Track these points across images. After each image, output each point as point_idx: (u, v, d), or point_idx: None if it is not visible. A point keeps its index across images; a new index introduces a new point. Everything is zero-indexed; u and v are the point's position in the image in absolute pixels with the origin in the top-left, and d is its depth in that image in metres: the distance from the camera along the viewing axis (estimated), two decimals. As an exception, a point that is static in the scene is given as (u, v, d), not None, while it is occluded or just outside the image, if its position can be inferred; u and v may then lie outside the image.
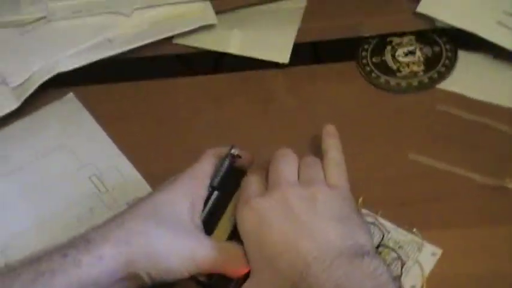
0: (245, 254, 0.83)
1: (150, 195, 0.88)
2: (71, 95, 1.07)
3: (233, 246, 0.85)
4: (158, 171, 0.98)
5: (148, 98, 1.06)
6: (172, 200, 0.86)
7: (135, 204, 0.87)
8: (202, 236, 0.85)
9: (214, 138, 1.01)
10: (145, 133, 1.03)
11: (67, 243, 0.82)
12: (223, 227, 0.89)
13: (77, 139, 1.02)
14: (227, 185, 0.90)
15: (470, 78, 1.00)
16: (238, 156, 0.92)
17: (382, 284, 0.75)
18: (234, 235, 0.87)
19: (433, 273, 0.86)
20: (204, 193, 0.88)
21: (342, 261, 0.77)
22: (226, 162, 0.91)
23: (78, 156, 1.01)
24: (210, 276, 0.86)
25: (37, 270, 0.79)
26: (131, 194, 0.96)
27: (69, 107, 1.06)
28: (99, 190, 0.98)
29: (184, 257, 0.83)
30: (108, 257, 0.81)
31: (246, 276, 0.84)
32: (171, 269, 0.83)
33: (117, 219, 0.84)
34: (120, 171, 0.99)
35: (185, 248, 0.83)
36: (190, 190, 0.87)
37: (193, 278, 0.86)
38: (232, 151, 0.92)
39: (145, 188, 0.97)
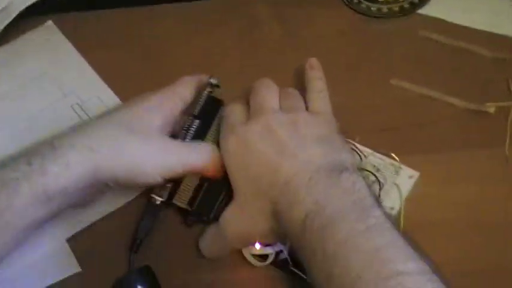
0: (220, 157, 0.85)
1: (120, 106, 0.87)
2: (50, 23, 1.06)
3: (204, 145, 0.86)
4: (141, 100, 0.98)
5: (130, 26, 1.05)
6: (143, 112, 0.85)
7: (103, 114, 0.86)
8: (173, 140, 0.85)
9: (199, 67, 1.00)
10: (128, 62, 1.02)
11: (32, 150, 0.80)
12: None
13: (57, 68, 1.02)
14: (207, 114, 0.91)
15: (450, 3, 1.01)
16: (217, 86, 0.93)
17: (361, 199, 0.76)
18: None
19: (411, 195, 0.87)
20: (176, 114, 0.87)
21: (320, 175, 0.77)
22: (206, 91, 0.92)
23: (59, 86, 1.00)
24: (192, 202, 0.87)
25: (2, 179, 0.77)
26: (114, 123, 0.97)
27: (48, 35, 1.05)
28: (81, 119, 0.98)
29: (156, 158, 0.82)
30: (74, 164, 0.79)
31: (227, 201, 0.85)
32: (143, 172, 0.82)
33: (84, 126, 0.83)
34: (102, 100, 0.99)
35: (157, 149, 0.83)
36: (163, 107, 0.86)
37: (172, 205, 0.87)
38: (211, 80, 0.92)
39: (128, 116, 0.97)
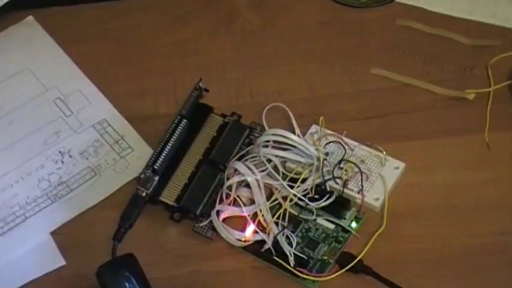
0: None
1: None
2: (30, 18, 1.06)
3: None
4: (122, 93, 0.99)
5: (110, 20, 1.05)
6: None
7: None
8: None
9: (178, 58, 1.01)
10: (108, 54, 1.02)
11: None
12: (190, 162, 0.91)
13: (38, 63, 1.02)
14: (195, 118, 0.92)
15: (430, -9, 1.01)
16: (206, 90, 0.94)
17: None
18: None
19: (397, 185, 0.88)
20: None
21: None
22: (194, 94, 0.93)
23: (41, 80, 1.00)
24: (179, 200, 0.88)
25: None
26: (97, 117, 0.97)
27: (29, 30, 1.05)
28: (64, 113, 0.98)
29: None
30: None
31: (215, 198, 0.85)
32: None
33: None
34: (84, 93, 0.99)
35: None
36: None
37: (159, 202, 0.88)
38: (200, 84, 0.93)
39: (110, 109, 0.97)
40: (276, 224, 0.85)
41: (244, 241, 0.85)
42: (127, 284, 0.81)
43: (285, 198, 0.86)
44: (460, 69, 0.94)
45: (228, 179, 0.87)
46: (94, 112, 0.97)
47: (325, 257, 0.84)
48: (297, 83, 0.97)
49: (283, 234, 0.84)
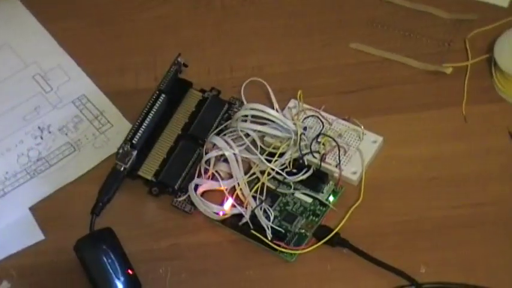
0: None
1: None
2: (11, -6, 1.06)
3: None
4: (102, 69, 0.99)
5: (89, -4, 1.05)
6: None
7: None
8: None
9: (159, 34, 1.01)
10: (89, 31, 1.02)
11: None
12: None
13: (18, 39, 1.01)
14: (174, 92, 0.92)
15: (409, -34, 1.01)
16: (185, 65, 0.94)
17: None
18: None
19: (375, 159, 0.88)
20: None
21: None
22: (173, 69, 0.93)
23: (20, 56, 1.00)
24: (157, 174, 0.88)
25: None
26: (76, 92, 0.97)
27: (9, 6, 1.04)
28: (43, 89, 0.98)
29: None
30: None
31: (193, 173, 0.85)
32: None
33: None
34: (64, 69, 0.99)
35: None
36: None
37: (138, 177, 0.88)
38: (179, 59, 0.93)
39: (90, 85, 0.97)
40: (254, 198, 0.85)
41: (223, 215, 0.85)
42: (105, 258, 0.81)
43: (263, 172, 0.86)
44: (438, 44, 0.95)
45: (206, 153, 0.87)
46: (74, 88, 0.97)
47: (303, 230, 0.85)
48: (277, 58, 0.97)
49: (260, 208, 0.85)
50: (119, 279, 0.81)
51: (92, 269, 0.81)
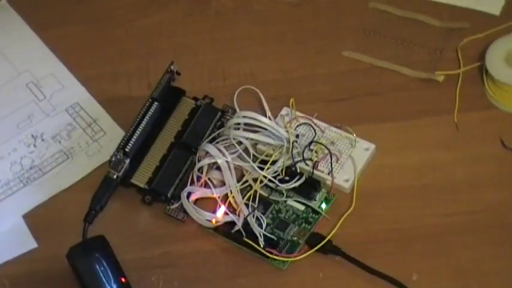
0: None
1: None
2: (4, 2, 1.05)
3: None
4: (95, 76, 0.99)
5: (83, 3, 1.05)
6: None
7: None
8: None
9: (153, 41, 1.01)
10: (82, 38, 1.02)
11: None
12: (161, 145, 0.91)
13: (11, 47, 1.02)
14: (167, 101, 0.92)
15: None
16: (177, 73, 0.94)
17: None
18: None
19: (367, 166, 0.88)
20: None
21: None
22: (166, 77, 0.93)
23: (13, 64, 1.00)
24: (150, 182, 0.88)
25: None
26: (69, 100, 0.97)
27: (2, 14, 1.04)
28: (37, 97, 0.98)
29: None
30: None
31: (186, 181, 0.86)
32: None
33: None
34: (57, 77, 0.99)
35: None
36: None
37: (131, 185, 0.88)
38: (171, 67, 0.93)
39: (83, 93, 0.97)
40: (247, 205, 0.86)
41: (215, 222, 0.85)
42: (97, 266, 0.81)
43: (255, 180, 0.87)
44: (430, 52, 0.95)
45: (199, 161, 0.88)
46: (67, 96, 0.98)
47: (295, 238, 0.85)
48: (269, 66, 0.97)
49: (253, 216, 0.85)
50: (111, 287, 0.81)
51: (85, 277, 0.81)
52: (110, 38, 1.02)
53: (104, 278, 0.81)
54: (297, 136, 0.89)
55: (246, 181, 0.87)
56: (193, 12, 1.03)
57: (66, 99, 0.97)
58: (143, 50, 1.00)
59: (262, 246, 0.83)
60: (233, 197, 0.86)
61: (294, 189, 0.87)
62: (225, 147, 0.88)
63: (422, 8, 0.98)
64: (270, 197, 0.87)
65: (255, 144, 0.89)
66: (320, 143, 0.88)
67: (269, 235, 0.84)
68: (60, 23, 1.04)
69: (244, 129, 0.89)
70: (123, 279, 0.82)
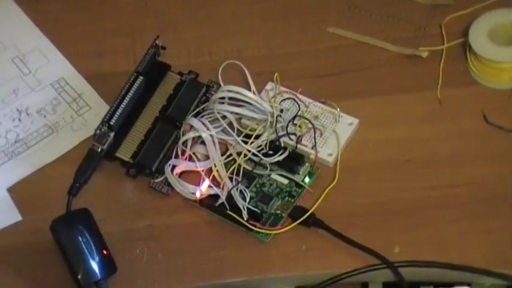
0: None
1: None
2: (-11, -22, 1.06)
3: None
4: (82, 51, 0.99)
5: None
6: None
7: None
8: None
9: (138, 18, 1.01)
10: (68, 14, 1.02)
11: None
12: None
13: (-3, 22, 1.02)
14: (152, 75, 0.92)
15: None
16: (163, 48, 0.94)
17: None
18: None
19: (350, 141, 0.89)
20: None
21: None
22: (151, 51, 0.93)
23: (-1, 39, 1.01)
24: (135, 156, 0.88)
25: None
26: (55, 75, 0.97)
27: (-12, -11, 1.05)
28: (22, 72, 0.98)
29: None
30: None
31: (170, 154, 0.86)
32: None
33: None
34: (43, 52, 0.99)
35: None
36: None
37: (116, 159, 0.89)
38: (157, 42, 0.94)
39: (68, 67, 0.97)
40: (231, 179, 0.86)
41: (199, 195, 0.86)
42: (80, 238, 0.82)
43: (239, 154, 0.87)
44: (414, 28, 0.95)
45: (183, 135, 0.88)
46: (52, 71, 0.98)
47: (278, 211, 0.85)
48: (255, 42, 0.98)
49: (237, 189, 0.85)
50: (93, 259, 0.81)
51: (67, 249, 0.82)
52: (96, 15, 1.02)
53: (86, 250, 0.81)
54: (281, 111, 0.89)
55: (230, 155, 0.87)
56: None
57: (52, 74, 0.97)
58: (129, 27, 1.00)
59: (245, 219, 0.84)
60: (217, 170, 0.86)
61: (277, 163, 0.87)
62: (209, 121, 0.88)
63: (407, -15, 0.99)
64: (254, 171, 0.87)
65: (239, 118, 0.89)
66: (304, 117, 0.88)
67: (253, 208, 0.85)
68: (46, -1, 1.04)
69: (229, 104, 0.89)
70: (105, 252, 0.82)
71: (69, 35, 1.00)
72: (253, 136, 0.87)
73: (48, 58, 0.99)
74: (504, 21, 0.91)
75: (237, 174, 0.86)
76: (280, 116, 0.88)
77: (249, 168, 0.87)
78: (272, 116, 0.88)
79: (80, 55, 0.99)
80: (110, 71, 0.97)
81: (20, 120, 0.94)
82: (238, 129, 0.88)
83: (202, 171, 0.86)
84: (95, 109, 0.94)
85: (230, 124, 0.88)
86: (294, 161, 0.87)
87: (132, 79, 0.91)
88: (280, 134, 0.87)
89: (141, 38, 0.98)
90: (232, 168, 0.86)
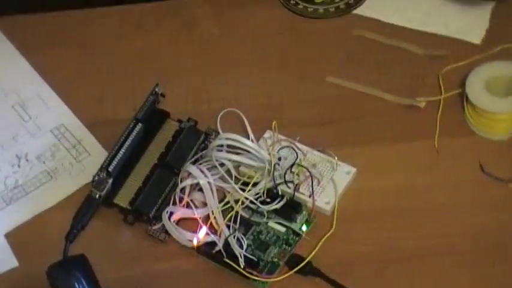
0: None
1: None
2: (-8, 25, 1.07)
3: None
4: (82, 99, 1.00)
5: (70, 28, 1.06)
6: None
7: None
8: None
9: (139, 66, 1.02)
10: (69, 62, 1.03)
11: None
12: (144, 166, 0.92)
13: (-2, 69, 1.03)
14: (151, 122, 0.93)
15: (384, 4, 1.03)
16: (162, 95, 0.95)
17: None
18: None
19: (348, 189, 0.89)
20: None
21: None
22: (151, 99, 0.94)
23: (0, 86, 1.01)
24: (133, 203, 0.89)
25: None
26: (55, 121, 0.98)
27: (-9, 37, 1.06)
28: (22, 119, 0.99)
29: None
30: None
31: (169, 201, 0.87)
32: None
33: None
34: (43, 99, 1.00)
35: None
36: None
37: (114, 205, 0.89)
38: (156, 89, 0.94)
39: (68, 114, 0.98)
40: (228, 226, 0.86)
41: (196, 242, 0.86)
42: (77, 284, 0.81)
43: (237, 201, 0.87)
44: (412, 78, 0.96)
45: (181, 182, 0.88)
46: (52, 117, 0.98)
47: (275, 259, 0.85)
48: (254, 90, 0.98)
49: (234, 237, 0.85)
50: (90, 306, 0.81)
51: (64, 295, 0.81)
52: (96, 61, 1.03)
53: (83, 297, 0.81)
54: (279, 159, 0.89)
55: (228, 202, 0.88)
56: (179, 37, 1.04)
57: (52, 120, 0.98)
58: (129, 74, 1.01)
59: (242, 266, 0.84)
60: (214, 217, 0.86)
61: (275, 211, 0.87)
62: (207, 168, 0.89)
63: (405, 36, 1.00)
64: (251, 219, 0.87)
65: (237, 166, 0.90)
66: (302, 166, 0.89)
67: (249, 256, 0.85)
68: (48, 46, 1.05)
69: (227, 151, 0.90)
70: (102, 299, 0.82)
71: (69, 81, 1.01)
72: (251, 184, 0.87)
73: (48, 104, 0.99)
74: (500, 73, 0.92)
75: (235, 222, 0.86)
76: (278, 164, 0.88)
77: (247, 215, 0.87)
78: (270, 163, 0.88)
79: (80, 102, 0.99)
80: (109, 118, 0.98)
81: (19, 166, 0.95)
82: (236, 177, 0.88)
83: (200, 218, 0.87)
84: (94, 156, 0.95)
85: (228, 171, 0.89)
86: (291, 209, 0.87)
87: (131, 126, 0.92)
88: (277, 181, 0.88)
89: (140, 85, 0.99)
90: (229, 215, 0.86)
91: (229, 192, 0.88)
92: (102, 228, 0.89)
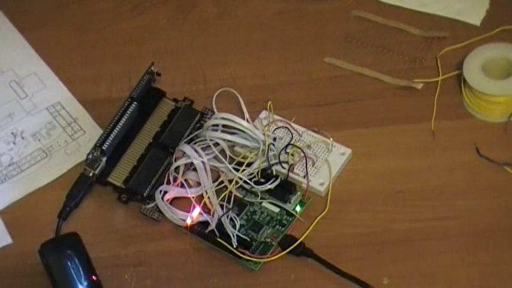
0: None
1: None
2: (-10, 3, 1.07)
3: None
4: (78, 76, 1.00)
5: (67, 5, 1.06)
6: None
7: None
8: None
9: (135, 45, 1.02)
10: (65, 40, 1.03)
11: None
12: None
13: (-4, 46, 1.03)
14: (146, 101, 0.93)
15: (383, -17, 1.02)
16: (158, 74, 0.95)
17: None
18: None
19: (343, 171, 0.89)
20: None
21: None
22: (146, 77, 0.93)
23: (-3, 62, 1.01)
24: (127, 181, 0.88)
25: None
26: (51, 99, 0.98)
27: (-12, 14, 1.06)
28: (18, 96, 0.99)
29: None
30: None
31: (162, 180, 0.87)
32: None
33: None
34: (39, 77, 1.00)
35: None
36: None
37: (108, 184, 0.89)
38: (152, 68, 0.94)
39: (64, 92, 0.98)
40: (222, 206, 0.86)
41: (189, 222, 0.85)
42: (69, 263, 0.81)
43: (231, 181, 0.87)
44: (410, 60, 0.96)
45: (175, 161, 0.88)
46: (49, 95, 0.98)
47: (268, 240, 0.85)
48: (251, 71, 0.98)
49: (227, 217, 0.85)
50: (81, 284, 0.81)
51: (55, 273, 0.81)
52: (93, 41, 1.03)
53: (74, 275, 0.81)
54: (274, 139, 0.89)
55: (222, 182, 0.87)
56: (176, 17, 1.04)
57: (48, 98, 0.98)
58: (126, 53, 1.01)
59: (235, 246, 0.83)
60: (208, 197, 0.86)
61: (269, 191, 0.87)
62: (202, 148, 0.88)
63: (403, 17, 0.99)
64: (245, 199, 0.87)
65: (232, 146, 0.89)
66: (296, 146, 0.88)
67: (242, 236, 0.84)
68: (45, 25, 1.05)
69: (222, 131, 0.89)
70: (94, 278, 0.82)
71: (66, 60, 1.01)
72: (245, 164, 0.87)
73: (44, 83, 0.99)
74: (498, 55, 0.91)
75: (228, 202, 0.86)
76: (273, 145, 0.88)
77: (240, 195, 0.87)
78: (264, 144, 0.87)
79: (76, 80, 0.99)
80: (105, 97, 0.98)
81: (14, 143, 0.95)
82: (230, 157, 0.88)
83: (193, 197, 0.86)
84: (89, 134, 0.95)
85: (222, 151, 0.88)
86: (285, 189, 0.87)
87: (126, 105, 0.91)
88: (272, 162, 0.87)
89: (137, 65, 0.99)
90: (223, 195, 0.86)
91: (223, 172, 0.88)
92: (95, 207, 0.89)
